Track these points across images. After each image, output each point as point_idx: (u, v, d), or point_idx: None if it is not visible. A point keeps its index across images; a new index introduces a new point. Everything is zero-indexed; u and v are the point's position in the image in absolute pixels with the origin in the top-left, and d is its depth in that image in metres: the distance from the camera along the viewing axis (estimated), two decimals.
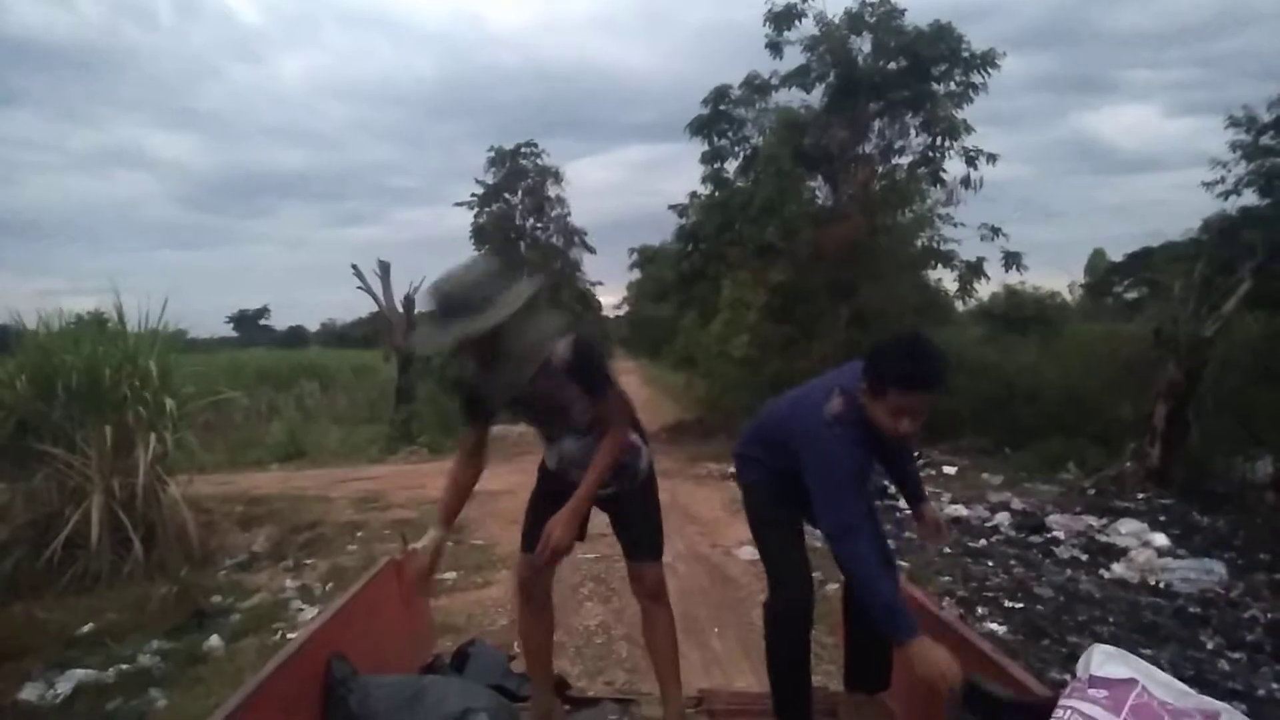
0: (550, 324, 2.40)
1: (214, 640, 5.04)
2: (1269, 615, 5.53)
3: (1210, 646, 5.06)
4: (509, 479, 10.31)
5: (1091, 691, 1.71)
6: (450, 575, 6.29)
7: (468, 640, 3.53)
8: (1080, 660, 1.85)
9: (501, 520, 7.96)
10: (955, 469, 10.78)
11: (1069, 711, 1.70)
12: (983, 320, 16.89)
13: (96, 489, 6.56)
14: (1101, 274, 22.57)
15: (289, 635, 4.73)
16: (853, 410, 2.28)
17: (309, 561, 6.99)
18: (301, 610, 5.55)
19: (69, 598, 5.98)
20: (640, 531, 2.62)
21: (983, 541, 7.40)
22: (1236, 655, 4.93)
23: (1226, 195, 11.50)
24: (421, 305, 2.35)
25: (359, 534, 7.74)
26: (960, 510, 8.38)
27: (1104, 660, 1.78)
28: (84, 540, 6.36)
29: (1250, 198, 11.02)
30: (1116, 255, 22.02)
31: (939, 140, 13.38)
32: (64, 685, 4.38)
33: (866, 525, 2.29)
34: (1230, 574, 6.27)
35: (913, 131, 13.71)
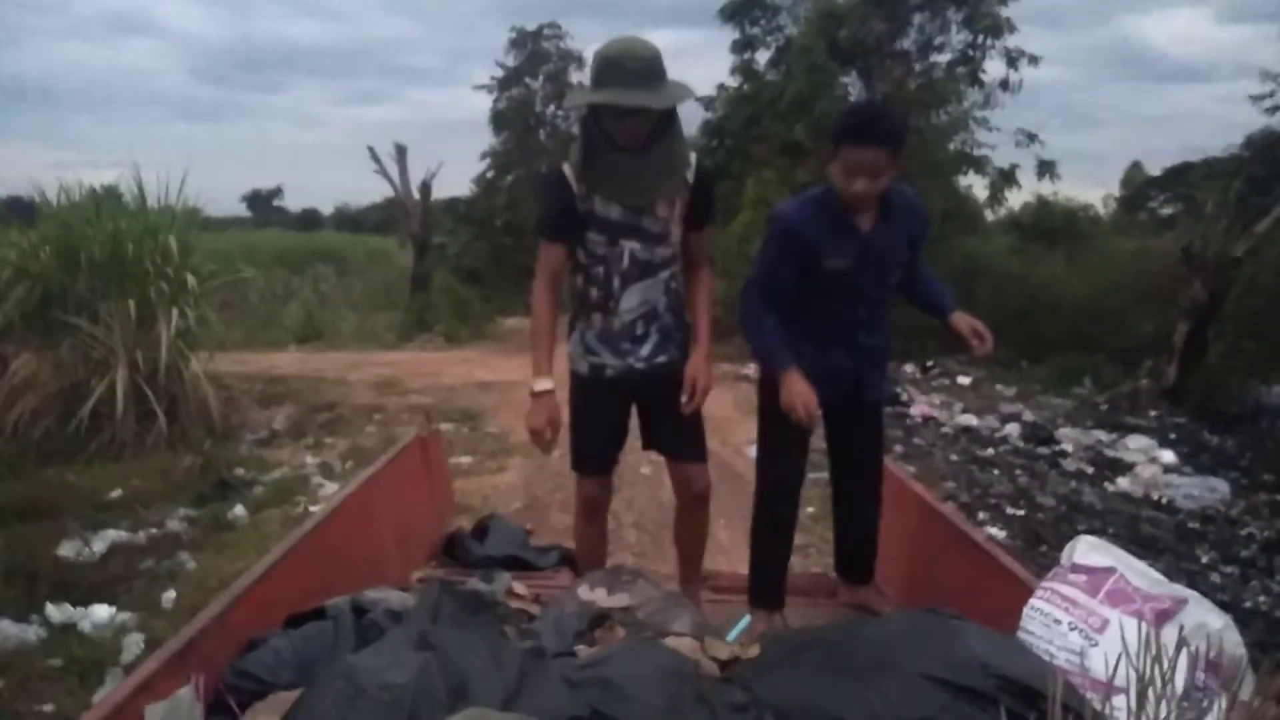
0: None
1: (239, 510, 5.23)
2: (1265, 533, 5.63)
3: (1205, 560, 5.18)
4: (525, 370, 10.44)
5: (1072, 576, 1.81)
6: (466, 459, 6.46)
7: (487, 515, 3.67)
8: (1065, 549, 1.93)
9: (516, 410, 8.07)
10: (970, 379, 10.81)
11: (1048, 592, 1.80)
12: (1011, 230, 16.61)
13: (120, 361, 6.68)
14: (1137, 188, 22.03)
15: (311, 508, 4.90)
16: (816, 195, 2.38)
17: (329, 440, 7.17)
18: (322, 485, 5.73)
19: (97, 465, 6.18)
20: (691, 428, 2.46)
21: (990, 451, 7.50)
22: (1229, 569, 5.06)
23: (1274, 110, 11.11)
24: (595, 67, 2.15)
25: (377, 416, 7.90)
26: (971, 420, 8.46)
27: (1087, 550, 1.86)
28: (109, 411, 6.53)
29: None
30: (1155, 169, 21.47)
31: (980, 38, 12.88)
32: (99, 544, 4.58)
33: (773, 294, 2.38)
34: (1233, 493, 6.36)
35: (954, 28, 13.19)
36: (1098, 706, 1.53)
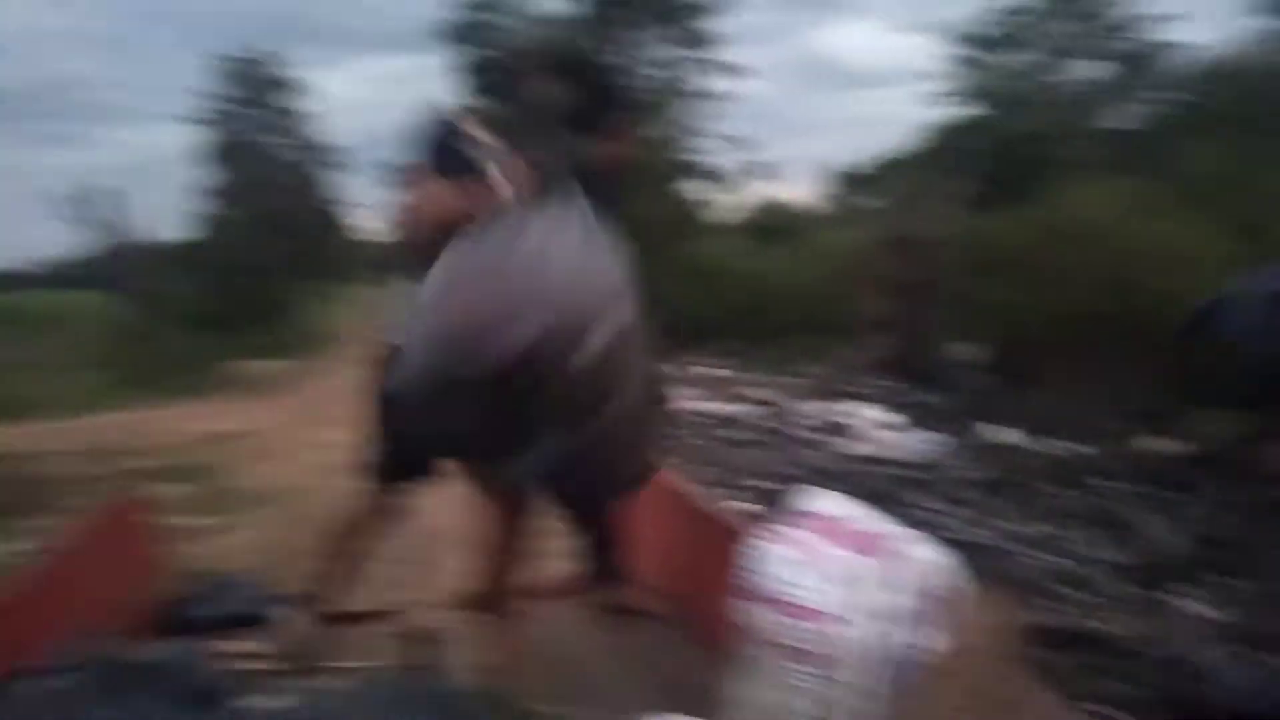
0: None
1: None
2: (980, 476, 6.37)
3: (931, 506, 5.73)
4: (265, 418, 9.63)
5: (790, 518, 1.85)
6: (200, 520, 5.80)
7: (212, 576, 3.27)
8: (786, 500, 1.99)
9: (257, 460, 7.43)
10: (707, 370, 11.43)
11: (766, 532, 1.84)
12: (737, 232, 17.77)
13: None
14: (847, 185, 24.37)
15: None
16: None
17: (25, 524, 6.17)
18: None
19: None
20: None
21: (739, 434, 7.93)
22: (951, 510, 5.62)
23: (947, 107, 12.67)
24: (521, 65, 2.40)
25: (97, 486, 6.93)
26: (720, 407, 8.91)
27: (808, 498, 1.92)
28: None
29: (972, 108, 12.28)
30: (864, 167, 23.87)
31: (690, 52, 13.66)
32: None
33: None
34: (950, 444, 7.14)
35: (662, 44, 13.90)
36: (809, 633, 1.58)
